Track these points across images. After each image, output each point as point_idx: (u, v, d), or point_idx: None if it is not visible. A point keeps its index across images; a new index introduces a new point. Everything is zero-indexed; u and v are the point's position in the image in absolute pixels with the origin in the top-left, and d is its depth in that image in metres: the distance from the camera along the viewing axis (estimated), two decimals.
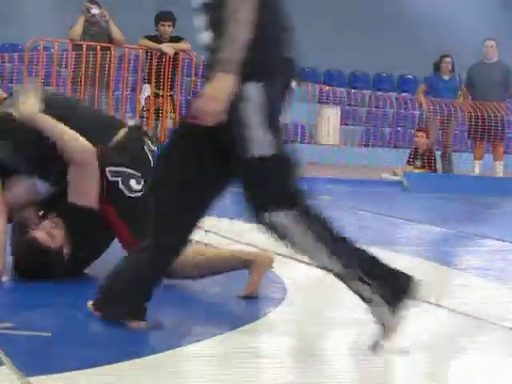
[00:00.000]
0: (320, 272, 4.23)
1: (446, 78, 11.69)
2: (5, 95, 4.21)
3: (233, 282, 4.01)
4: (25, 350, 2.66)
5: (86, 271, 3.86)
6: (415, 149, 11.61)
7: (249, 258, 3.76)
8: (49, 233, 3.62)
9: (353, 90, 15.63)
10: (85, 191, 3.66)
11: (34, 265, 3.59)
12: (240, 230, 5.60)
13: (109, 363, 2.52)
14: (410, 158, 11.63)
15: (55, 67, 10.62)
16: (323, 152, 14.26)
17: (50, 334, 2.82)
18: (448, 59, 11.63)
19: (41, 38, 10.58)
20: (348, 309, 3.56)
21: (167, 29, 10.15)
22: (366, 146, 15.54)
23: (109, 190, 3.67)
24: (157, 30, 10.29)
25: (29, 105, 3.66)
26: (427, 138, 11.43)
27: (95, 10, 9.88)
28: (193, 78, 11.10)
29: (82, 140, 3.66)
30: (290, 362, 2.76)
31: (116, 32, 9.97)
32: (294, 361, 2.80)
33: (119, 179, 3.69)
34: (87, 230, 3.70)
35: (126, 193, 3.68)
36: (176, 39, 10.33)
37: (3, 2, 15.53)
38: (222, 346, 2.86)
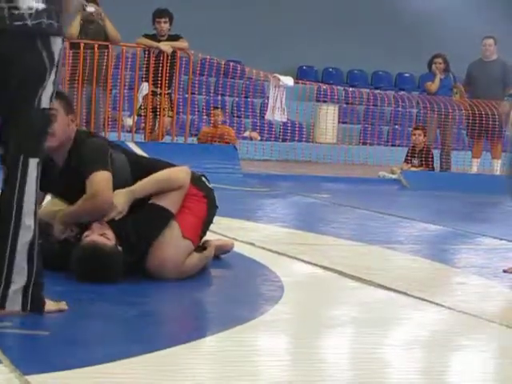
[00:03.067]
0: (318, 270, 4.24)
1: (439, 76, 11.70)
2: None
3: (230, 281, 4.01)
4: (23, 348, 2.66)
5: None
6: (413, 147, 11.61)
7: None
8: (102, 234, 3.66)
9: (350, 89, 15.63)
10: (176, 203, 3.87)
11: (98, 267, 3.61)
12: (239, 227, 5.61)
13: (107, 362, 2.52)
14: (407, 156, 11.64)
15: None
16: (321, 150, 14.27)
17: (47, 333, 2.81)
18: (439, 59, 11.63)
19: None
20: (346, 307, 3.56)
21: (163, 25, 10.15)
22: (364, 144, 15.55)
23: (208, 193, 4.05)
24: (154, 29, 10.29)
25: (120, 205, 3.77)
26: (425, 136, 11.43)
27: (91, 8, 9.86)
28: (190, 77, 11.10)
29: (175, 170, 3.96)
30: (288, 361, 2.76)
31: (112, 30, 9.95)
32: (292, 359, 2.80)
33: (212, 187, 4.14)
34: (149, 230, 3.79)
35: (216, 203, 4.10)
36: (174, 37, 10.32)
37: None
38: (220, 344, 2.86)
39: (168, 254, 3.75)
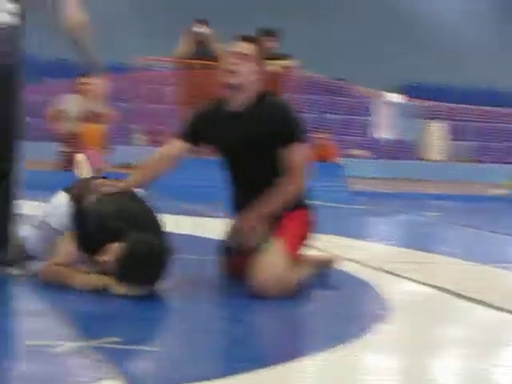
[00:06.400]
0: (427, 289, 4.12)
1: None
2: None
3: (336, 299, 3.95)
4: (135, 364, 2.66)
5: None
6: None
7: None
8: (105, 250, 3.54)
9: (462, 106, 15.36)
10: None
11: (138, 267, 3.51)
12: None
13: (215, 378, 2.49)
14: None
15: (160, 87, 10.79)
16: (430, 168, 14.05)
17: (157, 349, 2.82)
18: None
19: (144, 58, 10.76)
20: (455, 327, 3.44)
21: (272, 44, 10.20)
22: (476, 161, 15.24)
23: (314, 222, 3.98)
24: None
25: None
26: None
27: (201, 29, 10.00)
28: (297, 96, 11.10)
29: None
30: (396, 381, 2.68)
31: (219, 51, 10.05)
32: (401, 379, 2.72)
33: None
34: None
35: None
36: (282, 57, 10.36)
37: (107, 23, 15.92)
38: (326, 363, 2.80)
39: (275, 273, 3.69)
